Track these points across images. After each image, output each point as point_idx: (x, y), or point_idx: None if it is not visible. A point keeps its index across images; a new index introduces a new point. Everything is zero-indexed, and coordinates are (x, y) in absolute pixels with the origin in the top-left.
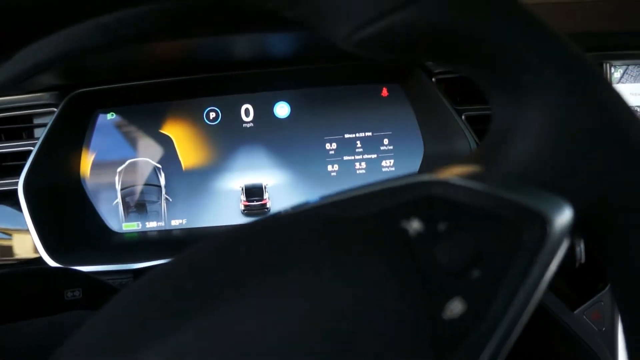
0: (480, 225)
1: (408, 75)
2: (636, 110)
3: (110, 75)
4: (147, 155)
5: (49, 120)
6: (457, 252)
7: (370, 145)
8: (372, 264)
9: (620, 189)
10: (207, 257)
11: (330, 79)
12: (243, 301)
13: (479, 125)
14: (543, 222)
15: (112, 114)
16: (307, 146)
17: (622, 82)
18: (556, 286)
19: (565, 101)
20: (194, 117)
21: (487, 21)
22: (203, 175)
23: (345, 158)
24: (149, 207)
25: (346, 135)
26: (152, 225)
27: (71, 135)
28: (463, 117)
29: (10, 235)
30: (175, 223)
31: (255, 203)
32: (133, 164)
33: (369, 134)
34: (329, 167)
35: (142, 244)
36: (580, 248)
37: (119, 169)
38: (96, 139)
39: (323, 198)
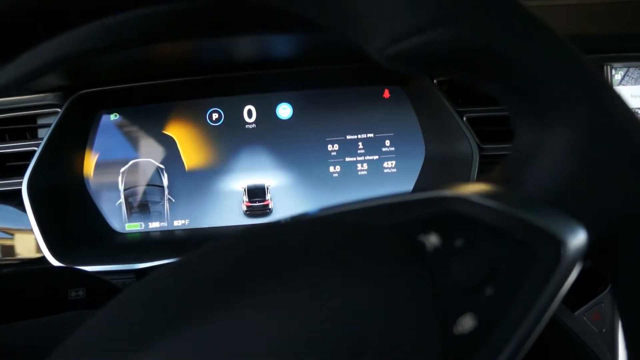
0: (496, 244)
1: (410, 77)
2: (637, 112)
3: (113, 76)
4: (150, 156)
5: (53, 120)
6: (472, 269)
7: (372, 146)
8: (388, 275)
9: (636, 215)
10: (218, 259)
11: (333, 81)
12: (251, 306)
13: (480, 127)
14: (557, 244)
15: (116, 115)
16: (309, 147)
17: (623, 84)
18: None
19: (589, 128)
20: (197, 118)
21: (524, 46)
22: (206, 176)
23: (347, 159)
24: (151, 208)
25: (348, 137)
26: (154, 225)
27: (75, 135)
28: (464, 118)
29: (13, 234)
30: (178, 223)
31: (257, 204)
32: (136, 165)
33: (371, 135)
34: (331, 168)
35: (145, 244)
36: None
37: (122, 170)
38: (99, 139)
39: (343, 205)
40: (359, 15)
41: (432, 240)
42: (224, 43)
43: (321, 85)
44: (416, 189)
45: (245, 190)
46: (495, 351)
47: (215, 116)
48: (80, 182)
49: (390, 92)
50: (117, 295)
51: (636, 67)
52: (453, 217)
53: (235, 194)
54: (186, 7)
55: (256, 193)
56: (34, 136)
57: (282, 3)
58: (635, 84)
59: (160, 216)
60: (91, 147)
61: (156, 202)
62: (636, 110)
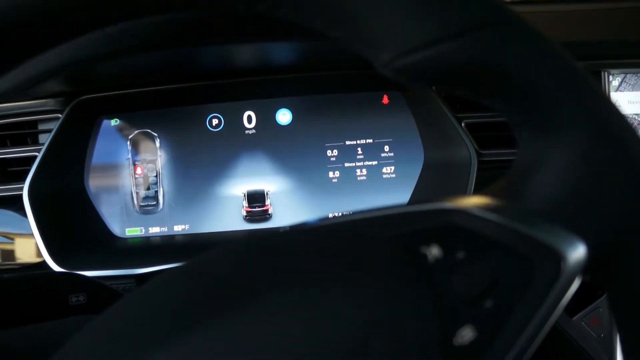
0: (496, 257)
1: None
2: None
3: (114, 82)
4: (150, 161)
5: (54, 126)
6: (472, 281)
7: (371, 152)
8: (389, 285)
9: (635, 231)
10: (219, 268)
11: (332, 87)
12: (253, 313)
13: (478, 133)
14: (557, 259)
15: (116, 120)
16: (308, 153)
17: (620, 90)
18: None
19: (592, 145)
20: (197, 124)
21: (528, 63)
22: (206, 181)
23: (347, 165)
24: (151, 213)
25: (347, 142)
26: (155, 230)
27: (75, 141)
28: (463, 124)
29: (14, 239)
30: (178, 228)
31: (257, 209)
32: (136, 169)
33: (370, 140)
34: (330, 174)
35: (145, 249)
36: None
37: (122, 174)
38: (100, 144)
39: (346, 215)
40: (367, 29)
41: (434, 251)
42: (224, 49)
43: (320, 91)
44: (416, 197)
45: (245, 195)
46: None
47: (215, 122)
48: (80, 187)
49: (389, 98)
50: (117, 301)
51: (633, 73)
52: (454, 230)
53: (235, 199)
54: (187, 15)
55: (256, 198)
56: (35, 141)
57: (292, 16)
58: (632, 90)
59: (160, 221)
60: (92, 152)
61: (156, 207)
62: (633, 116)
